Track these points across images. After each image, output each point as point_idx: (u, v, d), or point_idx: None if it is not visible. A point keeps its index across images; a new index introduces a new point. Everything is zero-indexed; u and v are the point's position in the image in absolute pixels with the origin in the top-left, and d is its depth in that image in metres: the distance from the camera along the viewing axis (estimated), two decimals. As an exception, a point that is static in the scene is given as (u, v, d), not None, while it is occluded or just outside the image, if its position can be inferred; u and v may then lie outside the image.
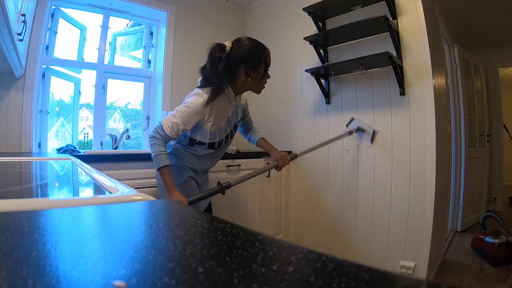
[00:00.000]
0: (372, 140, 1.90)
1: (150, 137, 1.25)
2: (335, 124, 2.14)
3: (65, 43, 2.22)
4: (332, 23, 2.16)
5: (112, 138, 2.27)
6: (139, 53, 2.62)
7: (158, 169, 1.22)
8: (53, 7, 2.09)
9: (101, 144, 2.29)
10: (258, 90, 1.33)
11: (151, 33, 2.61)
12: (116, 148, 2.26)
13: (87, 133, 2.42)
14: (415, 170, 1.74)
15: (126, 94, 2.57)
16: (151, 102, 2.55)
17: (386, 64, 1.82)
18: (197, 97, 1.23)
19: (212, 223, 0.30)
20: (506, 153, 3.95)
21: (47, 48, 2.08)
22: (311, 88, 2.30)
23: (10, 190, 0.56)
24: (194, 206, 1.24)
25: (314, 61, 2.24)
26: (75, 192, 0.61)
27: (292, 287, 0.16)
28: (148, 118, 2.54)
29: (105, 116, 2.34)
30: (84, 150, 1.97)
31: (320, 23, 2.18)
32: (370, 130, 1.91)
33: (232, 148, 1.97)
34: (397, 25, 1.81)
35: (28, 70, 1.86)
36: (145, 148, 2.50)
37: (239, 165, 2.04)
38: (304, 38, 2.09)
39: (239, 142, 2.63)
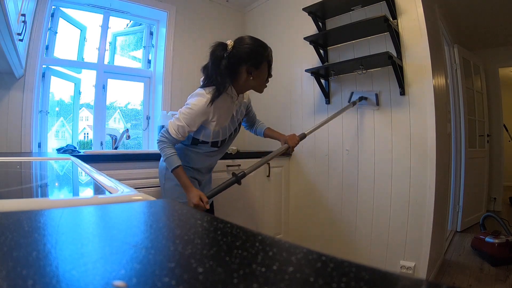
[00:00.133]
0: (377, 103, 1.89)
1: (158, 142, 1.27)
2: (335, 124, 2.14)
3: (65, 43, 2.22)
4: (332, 23, 2.16)
5: (112, 138, 2.27)
6: (139, 53, 2.62)
7: (172, 171, 1.24)
8: (53, 7, 2.09)
9: (101, 144, 2.29)
10: (260, 89, 1.33)
11: (151, 33, 2.61)
12: (116, 148, 2.26)
13: (87, 133, 2.42)
14: (415, 170, 1.74)
15: (126, 94, 2.57)
16: (151, 102, 2.55)
17: (386, 64, 1.82)
18: (199, 98, 1.23)
19: (212, 223, 0.30)
20: (506, 153, 3.95)
21: (47, 48, 2.08)
22: (311, 88, 2.30)
23: (10, 190, 0.56)
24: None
25: (314, 61, 2.24)
26: (75, 192, 0.61)
27: (292, 287, 0.16)
28: (148, 118, 2.54)
29: (105, 116, 2.34)
30: (84, 150, 1.97)
31: (320, 23, 2.18)
32: (372, 95, 1.91)
33: (232, 148, 1.97)
34: (397, 25, 1.81)
35: (28, 70, 1.86)
36: (145, 148, 2.50)
37: (239, 165, 2.04)
38: (304, 38, 2.09)
39: (239, 142, 2.63)
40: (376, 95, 1.89)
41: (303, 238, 2.32)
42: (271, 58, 1.29)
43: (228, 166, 1.99)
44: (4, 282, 0.15)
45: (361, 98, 1.94)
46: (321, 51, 2.17)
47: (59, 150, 1.73)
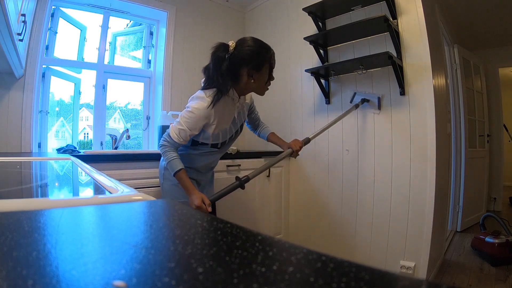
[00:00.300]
0: (379, 107, 1.89)
1: (160, 146, 1.27)
2: (335, 125, 2.13)
3: (65, 43, 2.22)
4: (332, 23, 2.16)
5: (112, 138, 2.27)
6: (139, 53, 2.62)
7: (174, 175, 1.23)
8: (53, 7, 2.09)
9: (101, 144, 2.29)
10: (261, 92, 1.31)
11: (151, 33, 2.61)
12: (116, 148, 2.26)
13: (87, 133, 2.42)
14: (415, 170, 1.74)
15: (126, 94, 2.57)
16: (151, 102, 2.55)
17: (386, 64, 1.82)
18: (199, 101, 1.22)
19: (212, 223, 0.30)
20: (506, 153, 3.95)
21: (47, 48, 2.08)
22: (311, 88, 2.30)
23: (10, 190, 0.56)
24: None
25: (314, 61, 2.24)
26: (75, 192, 0.61)
27: (292, 287, 0.16)
28: (148, 118, 2.54)
29: (105, 116, 2.34)
30: (84, 150, 1.97)
31: (320, 23, 2.18)
32: (374, 99, 1.90)
33: (232, 148, 1.97)
34: (397, 25, 1.81)
35: (28, 70, 1.86)
36: (145, 148, 2.50)
37: (239, 165, 2.04)
38: (304, 38, 2.09)
39: (239, 142, 2.63)
40: (379, 98, 1.88)
41: (303, 238, 2.32)
42: (273, 61, 1.27)
43: (228, 166, 1.99)
44: (4, 282, 0.15)
45: (363, 101, 1.94)
46: (321, 51, 2.17)
47: (59, 150, 1.73)
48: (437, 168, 1.67)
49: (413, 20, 1.77)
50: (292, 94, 2.45)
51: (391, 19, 1.77)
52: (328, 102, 2.19)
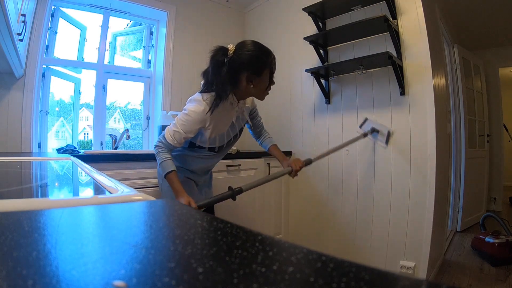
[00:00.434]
0: (387, 142, 1.83)
1: (154, 147, 1.26)
2: (335, 124, 2.14)
3: (65, 43, 2.22)
4: (332, 23, 2.16)
5: (112, 138, 2.27)
6: (139, 53, 2.62)
7: (165, 176, 1.21)
8: (53, 7, 2.09)
9: (101, 144, 2.29)
10: (261, 97, 1.28)
11: (151, 33, 2.61)
12: (116, 148, 2.26)
13: (87, 133, 2.42)
14: (415, 170, 1.74)
15: (126, 94, 2.57)
16: (151, 102, 2.55)
17: (386, 64, 1.82)
18: (196, 104, 1.20)
19: (212, 223, 0.30)
20: (506, 153, 3.95)
21: (47, 48, 2.08)
22: (311, 88, 2.30)
23: (10, 190, 0.56)
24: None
25: (314, 61, 2.24)
26: (75, 192, 0.61)
27: (292, 287, 0.16)
28: (148, 118, 2.54)
29: (105, 116, 2.34)
30: (84, 150, 1.97)
31: (320, 23, 2.18)
32: (384, 131, 1.84)
33: (232, 148, 1.97)
34: (397, 25, 1.81)
35: (28, 70, 1.86)
36: (145, 148, 2.50)
37: (239, 165, 2.04)
38: (304, 38, 2.09)
39: (239, 142, 2.62)
40: (389, 132, 1.82)
41: (303, 238, 2.32)
42: (274, 66, 1.23)
43: (228, 166, 1.99)
44: (4, 282, 0.15)
45: (373, 130, 1.88)
46: (321, 51, 2.17)
47: (59, 150, 1.73)
48: (437, 168, 1.67)
49: (413, 20, 1.77)
50: (292, 94, 2.45)
51: (391, 19, 1.77)
52: (328, 102, 2.19)
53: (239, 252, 0.21)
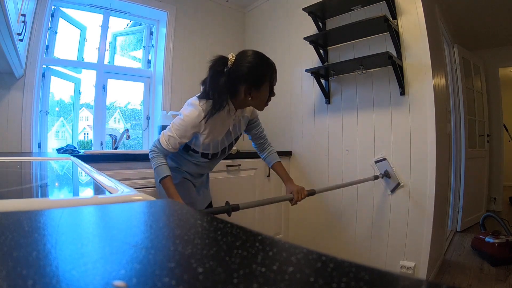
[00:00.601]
0: (393, 191, 1.81)
1: (149, 152, 1.24)
2: (335, 124, 2.14)
3: (65, 43, 2.22)
4: (332, 23, 2.16)
5: (112, 138, 2.27)
6: (139, 53, 2.62)
7: (160, 181, 1.19)
8: (53, 7, 2.09)
9: (101, 144, 2.29)
10: (260, 108, 1.26)
11: (151, 33, 2.61)
12: (116, 148, 2.26)
13: (87, 133, 2.42)
14: (415, 170, 1.74)
15: (126, 94, 2.57)
16: (151, 102, 2.55)
17: (386, 64, 1.82)
18: (192, 108, 1.17)
19: (212, 223, 0.30)
20: (506, 153, 3.95)
21: (47, 48, 2.08)
22: (311, 88, 2.30)
23: (10, 190, 0.56)
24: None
25: (314, 61, 2.24)
26: (75, 192, 0.61)
27: (292, 287, 0.16)
28: (148, 118, 2.54)
29: (105, 116, 2.34)
30: (84, 150, 1.97)
31: (320, 23, 2.18)
32: (395, 180, 1.80)
33: (232, 148, 1.97)
34: (397, 25, 1.81)
35: (28, 70, 1.86)
36: (145, 148, 2.50)
37: (239, 165, 2.04)
38: (304, 38, 2.09)
39: (239, 142, 2.63)
40: (398, 184, 1.79)
41: (303, 238, 2.32)
42: (275, 79, 1.20)
43: (228, 166, 1.99)
44: (4, 282, 0.15)
45: (386, 174, 1.84)
46: (321, 51, 2.17)
47: (59, 150, 1.73)
48: (437, 168, 1.67)
49: (413, 20, 1.77)
50: (292, 94, 2.45)
51: (391, 19, 1.77)
52: (328, 102, 2.19)
53: (239, 252, 0.21)
